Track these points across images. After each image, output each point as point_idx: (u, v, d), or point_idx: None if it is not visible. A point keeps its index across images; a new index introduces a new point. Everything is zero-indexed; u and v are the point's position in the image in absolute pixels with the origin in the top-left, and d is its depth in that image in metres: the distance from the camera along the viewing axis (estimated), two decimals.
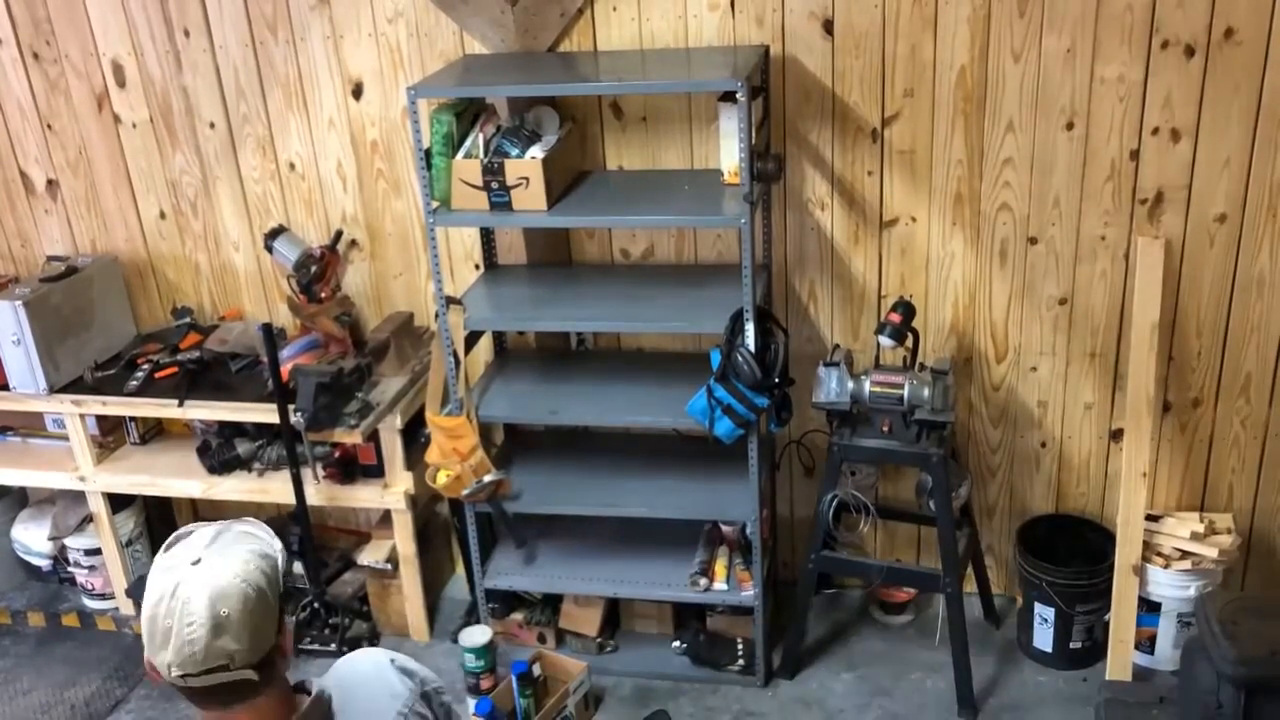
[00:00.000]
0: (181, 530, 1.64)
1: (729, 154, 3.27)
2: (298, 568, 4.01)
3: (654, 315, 3.47)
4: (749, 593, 3.55)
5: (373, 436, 3.74)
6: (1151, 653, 3.58)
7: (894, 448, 3.40)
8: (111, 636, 4.18)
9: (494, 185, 3.26)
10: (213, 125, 3.93)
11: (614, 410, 3.57)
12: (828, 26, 3.37)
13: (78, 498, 4.17)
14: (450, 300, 3.48)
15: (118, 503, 4.15)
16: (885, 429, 3.39)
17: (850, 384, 3.36)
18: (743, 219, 3.12)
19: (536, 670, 3.51)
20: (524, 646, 3.82)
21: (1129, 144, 3.31)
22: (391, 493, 3.81)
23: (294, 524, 3.92)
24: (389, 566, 3.93)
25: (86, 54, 3.91)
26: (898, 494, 3.85)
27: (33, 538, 4.33)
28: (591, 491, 3.65)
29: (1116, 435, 3.64)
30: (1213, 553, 3.44)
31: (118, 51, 3.88)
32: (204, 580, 1.52)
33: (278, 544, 1.64)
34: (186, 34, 3.81)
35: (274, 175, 3.96)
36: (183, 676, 1.52)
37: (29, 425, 4.26)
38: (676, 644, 3.79)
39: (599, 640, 3.80)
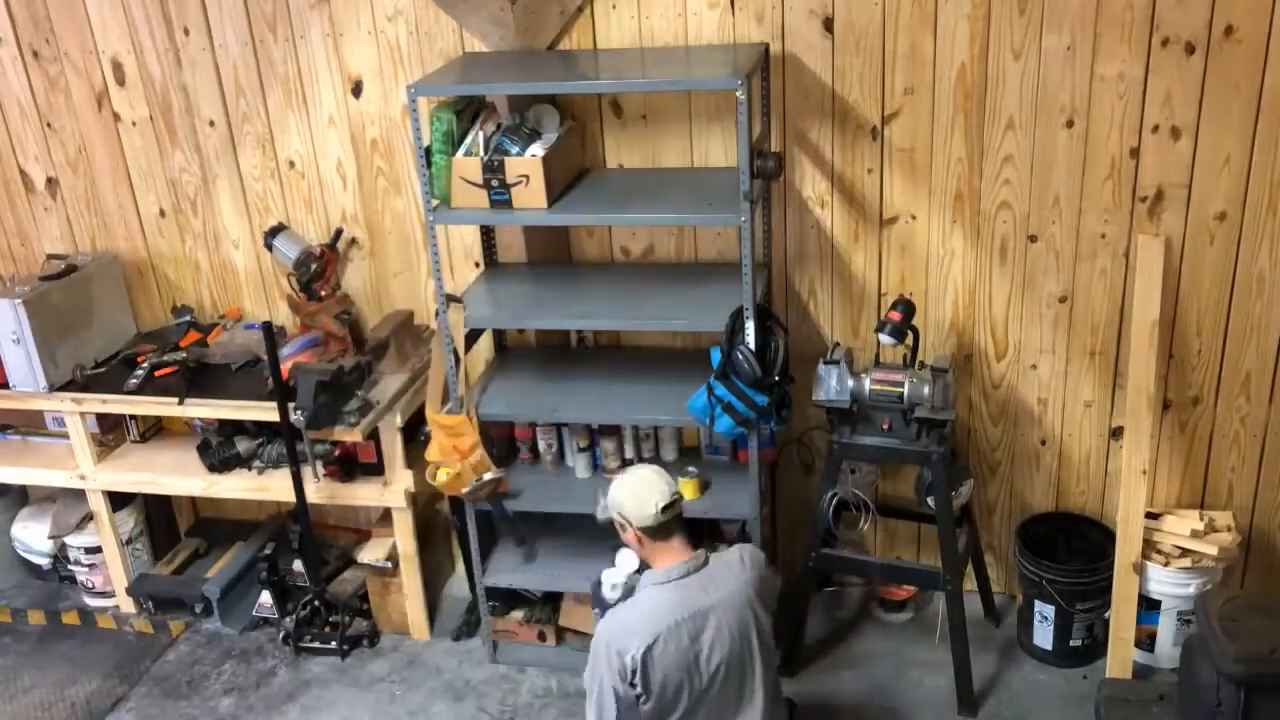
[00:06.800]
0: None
1: None
2: (298, 566, 4.02)
3: (654, 313, 3.47)
4: None
5: (373, 435, 3.74)
6: (1151, 650, 3.58)
7: (894, 445, 3.40)
8: (112, 634, 4.19)
9: (494, 183, 3.26)
10: (212, 123, 3.93)
11: (614, 409, 3.57)
12: (828, 24, 3.36)
13: (78, 496, 4.17)
14: (450, 298, 3.47)
15: (118, 501, 4.16)
16: (885, 427, 3.39)
17: (850, 382, 3.36)
18: (743, 217, 3.12)
19: None
20: (524, 645, 3.82)
21: (1129, 142, 3.31)
22: (392, 491, 3.81)
23: (294, 522, 3.92)
24: (389, 565, 3.93)
25: (86, 52, 3.91)
26: (898, 492, 3.85)
27: (33, 536, 4.34)
28: (591, 489, 3.64)
29: (1116, 433, 3.64)
30: (1212, 550, 3.44)
31: (117, 50, 3.88)
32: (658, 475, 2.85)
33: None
34: (186, 32, 3.81)
35: (274, 173, 3.95)
36: (662, 509, 2.76)
37: (29, 423, 4.26)
38: None
39: None
